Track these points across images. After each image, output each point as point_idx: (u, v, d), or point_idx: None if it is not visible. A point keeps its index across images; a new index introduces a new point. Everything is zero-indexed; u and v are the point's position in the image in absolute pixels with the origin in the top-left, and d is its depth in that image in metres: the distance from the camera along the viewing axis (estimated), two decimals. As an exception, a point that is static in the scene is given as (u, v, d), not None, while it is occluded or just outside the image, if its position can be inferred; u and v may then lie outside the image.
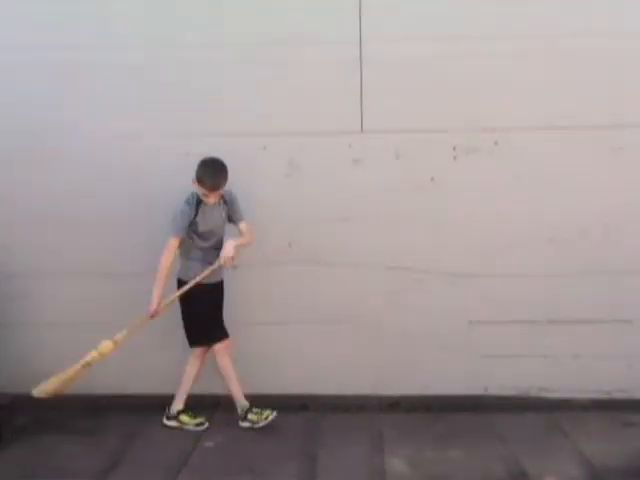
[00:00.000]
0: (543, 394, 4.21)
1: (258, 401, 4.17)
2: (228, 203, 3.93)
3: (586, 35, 3.92)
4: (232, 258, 3.84)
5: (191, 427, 4.01)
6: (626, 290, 4.11)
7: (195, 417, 4.04)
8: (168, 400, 4.21)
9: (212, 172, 3.77)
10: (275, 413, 3.93)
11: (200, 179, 3.76)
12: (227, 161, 4.11)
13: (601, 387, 4.18)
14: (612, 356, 4.15)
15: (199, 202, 3.83)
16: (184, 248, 3.89)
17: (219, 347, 3.94)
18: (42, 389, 3.77)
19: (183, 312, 3.96)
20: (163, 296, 3.82)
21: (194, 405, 4.15)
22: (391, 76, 4.02)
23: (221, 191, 3.82)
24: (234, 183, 4.14)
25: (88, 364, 3.78)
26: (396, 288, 4.19)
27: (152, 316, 3.82)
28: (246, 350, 4.20)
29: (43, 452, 3.76)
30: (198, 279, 3.81)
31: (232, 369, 3.98)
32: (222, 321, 3.99)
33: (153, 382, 4.25)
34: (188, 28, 4.07)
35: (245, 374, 4.19)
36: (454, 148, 4.06)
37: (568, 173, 4.05)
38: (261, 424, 3.93)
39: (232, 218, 3.96)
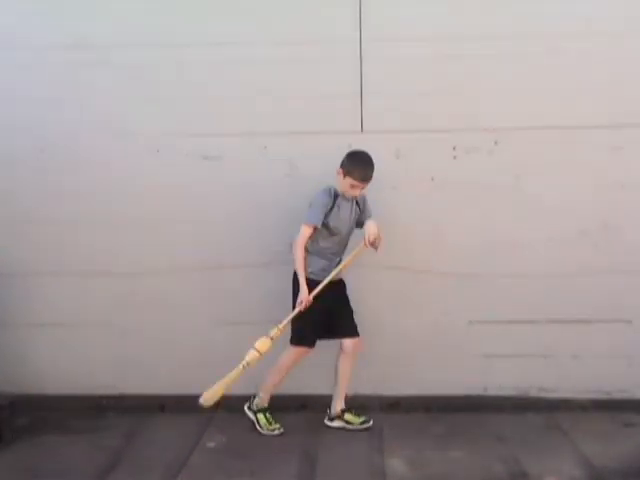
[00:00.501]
0: (543, 394, 4.21)
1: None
2: (360, 204, 3.90)
3: (586, 35, 3.93)
4: (377, 236, 3.76)
5: (356, 426, 3.92)
6: (626, 290, 4.11)
7: (359, 416, 3.95)
8: (168, 400, 4.22)
9: (362, 162, 3.73)
10: (282, 430, 3.90)
11: (349, 170, 3.71)
12: (227, 161, 4.14)
13: (601, 387, 4.18)
14: (612, 356, 4.14)
15: (336, 196, 3.79)
16: (308, 241, 3.80)
17: (297, 349, 3.88)
18: (208, 398, 3.71)
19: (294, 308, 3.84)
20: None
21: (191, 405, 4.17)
22: (391, 76, 4.02)
23: (367, 185, 3.77)
24: (234, 183, 4.15)
25: (248, 364, 3.72)
26: (396, 288, 4.19)
27: (305, 306, 3.73)
28: (246, 350, 4.20)
29: (43, 452, 3.76)
30: (343, 265, 3.79)
31: (287, 370, 3.92)
32: (326, 325, 3.87)
33: (153, 382, 4.26)
34: (188, 28, 4.07)
35: (245, 374, 4.19)
36: (454, 148, 4.06)
37: (568, 173, 4.06)
38: (263, 431, 3.91)
39: (360, 219, 3.90)
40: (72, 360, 4.32)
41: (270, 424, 3.93)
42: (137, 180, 4.18)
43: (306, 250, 3.82)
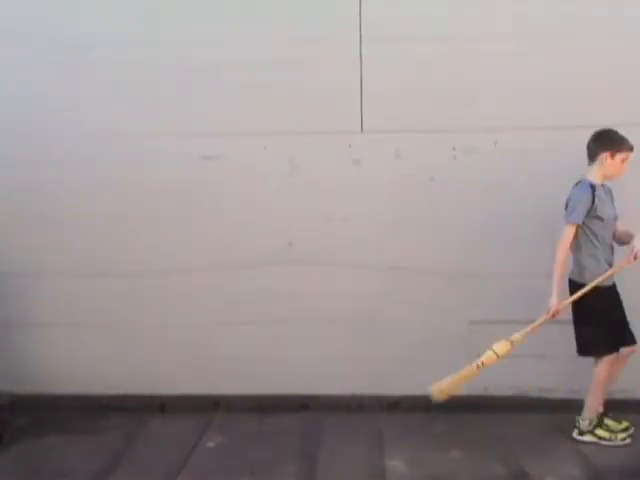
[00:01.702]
0: (543, 394, 4.20)
1: (257, 401, 4.17)
2: (611, 195, 3.75)
3: (586, 35, 3.93)
4: None
5: (612, 442, 3.70)
6: (625, 290, 4.10)
7: (620, 423, 3.76)
8: (168, 400, 4.22)
9: (618, 134, 3.60)
10: (632, 430, 3.72)
11: (616, 146, 3.57)
12: (228, 161, 4.14)
13: (601, 387, 4.17)
14: (612, 356, 4.14)
15: (593, 189, 3.62)
16: (576, 244, 3.67)
17: (626, 351, 3.71)
18: (438, 392, 3.60)
19: (577, 317, 3.73)
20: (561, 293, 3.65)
21: (191, 405, 4.17)
22: (391, 76, 4.02)
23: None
24: (234, 183, 4.15)
25: (483, 365, 3.59)
26: (396, 288, 4.19)
27: (554, 315, 3.61)
28: (246, 350, 4.20)
29: (43, 452, 3.76)
30: (601, 279, 3.58)
31: (606, 383, 3.74)
32: (621, 328, 3.72)
33: (153, 382, 4.26)
34: (189, 28, 4.07)
35: (245, 374, 4.19)
36: (454, 148, 4.06)
37: (568, 173, 4.04)
38: (616, 441, 3.70)
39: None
40: (72, 360, 4.32)
41: (618, 425, 3.77)
42: (137, 180, 4.18)
43: (580, 255, 3.68)
